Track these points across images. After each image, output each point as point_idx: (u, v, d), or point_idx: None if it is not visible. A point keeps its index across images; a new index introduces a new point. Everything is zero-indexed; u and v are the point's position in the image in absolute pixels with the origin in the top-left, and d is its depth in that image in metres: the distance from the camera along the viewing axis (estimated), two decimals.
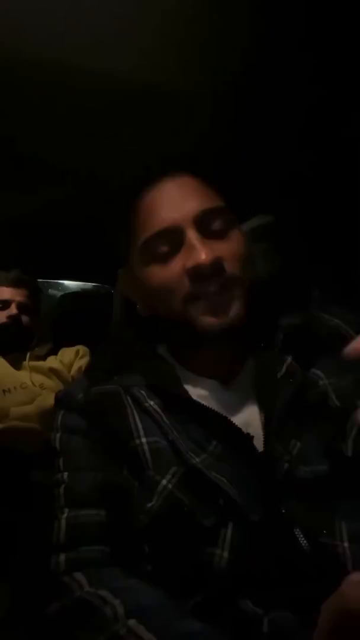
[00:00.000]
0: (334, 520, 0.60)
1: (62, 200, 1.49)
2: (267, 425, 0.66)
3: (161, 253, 0.70)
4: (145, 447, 0.66)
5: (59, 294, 2.49)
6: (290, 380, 0.69)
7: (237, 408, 0.70)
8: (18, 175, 1.32)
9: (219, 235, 0.70)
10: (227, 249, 0.69)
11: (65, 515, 0.63)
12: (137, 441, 0.66)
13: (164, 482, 0.63)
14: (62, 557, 0.60)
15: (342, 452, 0.63)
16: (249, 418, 0.69)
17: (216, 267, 0.67)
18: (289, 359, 0.71)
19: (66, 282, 2.85)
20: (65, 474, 0.67)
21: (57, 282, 2.85)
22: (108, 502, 0.65)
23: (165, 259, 0.70)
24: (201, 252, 0.66)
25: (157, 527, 0.62)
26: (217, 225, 0.70)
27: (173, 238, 0.69)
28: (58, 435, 0.72)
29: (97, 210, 1.52)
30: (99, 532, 0.62)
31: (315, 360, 0.71)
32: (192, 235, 0.68)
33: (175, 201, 0.71)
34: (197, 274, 0.67)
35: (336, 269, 1.23)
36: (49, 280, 2.64)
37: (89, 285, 2.67)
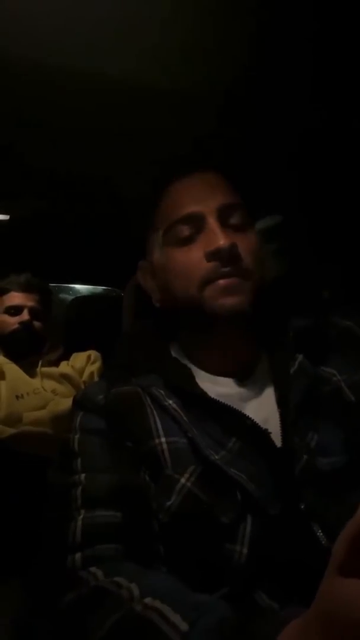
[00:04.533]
0: (352, 513, 0.60)
1: (72, 204, 1.50)
2: (283, 420, 0.67)
3: (183, 237, 0.74)
4: (165, 446, 0.67)
5: (69, 298, 2.50)
6: (303, 376, 0.70)
7: (253, 405, 0.71)
8: (28, 180, 1.33)
9: (237, 229, 0.73)
10: (244, 242, 0.73)
11: (82, 516, 0.64)
12: (157, 440, 0.67)
13: (183, 480, 0.64)
14: (78, 555, 0.60)
15: (358, 444, 0.64)
16: (266, 414, 0.70)
17: (233, 252, 0.70)
18: (301, 357, 0.72)
19: (77, 286, 2.86)
20: (83, 475, 0.67)
21: (67, 286, 2.86)
22: (125, 503, 0.65)
23: (186, 243, 0.73)
24: (220, 237, 0.70)
25: (176, 526, 0.62)
26: (236, 219, 0.74)
27: (195, 224, 0.73)
28: (77, 436, 0.72)
29: (107, 213, 1.52)
30: (115, 533, 0.63)
31: (326, 358, 0.73)
32: (212, 222, 0.72)
33: (199, 193, 0.75)
34: (216, 257, 0.70)
35: (345, 270, 1.22)
36: (59, 285, 2.65)
37: (99, 288, 2.68)
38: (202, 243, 0.72)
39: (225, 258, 0.70)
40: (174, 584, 0.55)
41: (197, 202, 0.73)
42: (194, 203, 0.74)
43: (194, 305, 0.72)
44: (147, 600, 0.51)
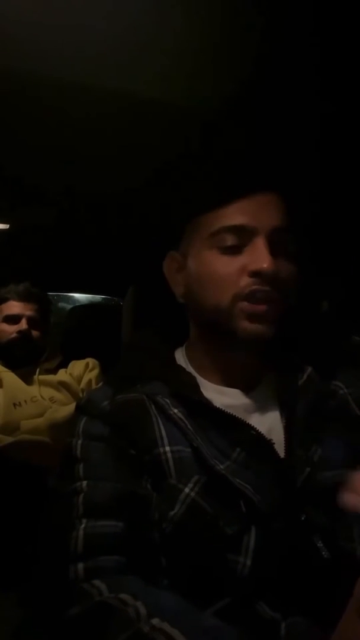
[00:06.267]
0: (353, 526, 0.61)
1: (72, 214, 1.51)
2: (288, 431, 0.68)
3: (227, 246, 0.71)
4: (169, 455, 0.66)
5: (69, 306, 2.51)
6: (310, 388, 0.70)
7: (258, 416, 0.71)
8: (29, 189, 1.33)
9: (284, 255, 0.72)
10: (287, 270, 0.71)
11: (84, 525, 0.63)
12: (161, 449, 0.67)
13: (187, 490, 0.63)
14: (81, 566, 0.60)
15: None
16: (270, 425, 0.70)
17: (275, 277, 0.68)
18: (310, 369, 0.72)
19: (76, 295, 2.87)
20: (85, 483, 0.67)
21: (67, 295, 2.87)
22: (127, 513, 0.64)
23: (229, 252, 0.71)
24: (266, 259, 0.68)
25: (179, 536, 0.62)
26: (285, 245, 0.72)
27: (244, 236, 0.71)
28: (79, 441, 0.71)
29: (107, 223, 1.53)
30: (117, 544, 0.62)
31: (334, 372, 0.73)
32: (262, 241, 0.70)
33: (259, 208, 0.72)
34: (257, 277, 0.69)
35: (345, 281, 1.23)
36: (59, 294, 2.66)
37: (98, 297, 2.69)
38: (245, 257, 0.70)
39: (265, 281, 0.68)
40: (180, 604, 0.55)
41: (252, 216, 0.71)
42: (249, 216, 0.71)
43: (221, 317, 0.70)
44: (155, 621, 0.50)
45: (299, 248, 0.74)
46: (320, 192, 1.11)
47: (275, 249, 0.70)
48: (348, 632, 0.42)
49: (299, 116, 0.89)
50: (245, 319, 0.69)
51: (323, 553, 0.60)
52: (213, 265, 0.72)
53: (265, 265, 0.67)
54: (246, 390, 0.74)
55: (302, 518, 0.62)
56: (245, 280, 0.69)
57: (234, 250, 0.71)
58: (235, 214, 0.72)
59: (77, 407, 0.78)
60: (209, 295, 0.72)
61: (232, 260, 0.71)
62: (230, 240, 0.71)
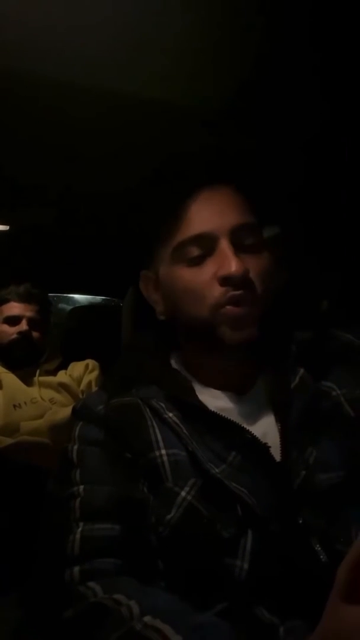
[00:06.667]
0: (350, 528, 0.61)
1: (72, 214, 1.51)
2: (283, 434, 0.67)
3: (193, 257, 0.71)
4: (165, 458, 0.66)
5: (69, 307, 2.51)
6: (304, 390, 0.70)
7: (253, 419, 0.71)
8: (29, 189, 1.33)
9: (250, 251, 0.71)
10: (257, 265, 0.71)
11: (80, 529, 0.63)
12: (157, 453, 0.67)
13: (183, 493, 0.63)
14: (77, 569, 0.60)
15: (357, 459, 0.64)
16: (265, 428, 0.70)
17: (245, 279, 0.68)
18: (302, 371, 0.72)
19: (76, 296, 2.87)
20: (81, 487, 0.67)
21: (67, 296, 2.87)
22: (124, 516, 0.64)
23: (196, 263, 0.71)
24: (233, 263, 0.67)
25: (176, 539, 0.62)
26: (250, 240, 0.71)
27: (206, 244, 0.70)
28: (75, 447, 0.72)
29: (107, 224, 1.53)
30: (113, 546, 0.62)
31: (327, 373, 0.73)
32: (225, 245, 0.69)
33: (214, 211, 0.72)
34: (227, 282, 0.68)
35: (345, 278, 1.23)
36: (59, 294, 2.66)
37: (98, 298, 2.69)
38: (213, 265, 0.70)
39: (238, 285, 0.68)
40: (174, 603, 0.55)
41: (209, 221, 0.71)
42: (206, 222, 0.71)
43: (204, 328, 0.70)
44: (147, 619, 0.50)
45: (271, 237, 0.73)
46: (317, 189, 1.11)
47: (241, 248, 0.70)
48: (332, 620, 0.42)
49: (296, 115, 0.89)
50: (228, 325, 0.68)
51: (321, 557, 0.59)
52: (183, 279, 0.72)
53: (233, 270, 0.67)
54: (240, 393, 0.74)
55: (300, 521, 0.62)
56: (218, 289, 0.69)
57: (200, 260, 0.71)
58: (192, 224, 0.71)
59: (73, 412, 0.78)
60: (187, 309, 0.72)
61: (201, 271, 0.70)
62: (194, 251, 0.71)
